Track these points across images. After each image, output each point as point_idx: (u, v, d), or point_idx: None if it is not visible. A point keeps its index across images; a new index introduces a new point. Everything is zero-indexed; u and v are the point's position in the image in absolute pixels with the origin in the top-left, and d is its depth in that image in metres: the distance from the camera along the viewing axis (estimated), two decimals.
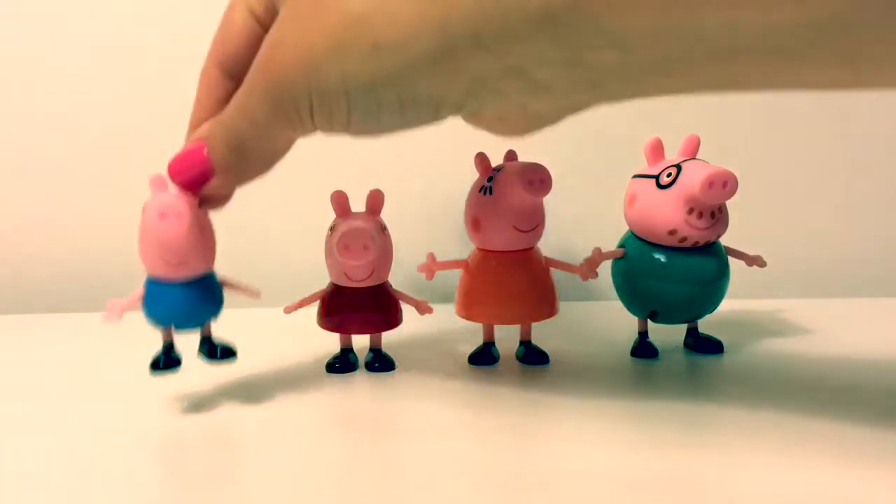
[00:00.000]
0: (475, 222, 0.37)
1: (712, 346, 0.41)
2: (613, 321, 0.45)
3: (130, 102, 0.54)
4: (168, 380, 0.33)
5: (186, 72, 0.54)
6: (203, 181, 0.31)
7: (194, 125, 0.33)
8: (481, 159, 0.38)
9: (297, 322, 0.39)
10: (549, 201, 0.37)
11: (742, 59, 0.24)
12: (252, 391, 0.36)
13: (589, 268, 0.38)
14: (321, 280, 0.39)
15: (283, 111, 0.28)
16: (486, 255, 0.38)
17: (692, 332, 0.41)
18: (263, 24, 0.31)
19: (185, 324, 0.34)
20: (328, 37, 0.26)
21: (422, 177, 0.55)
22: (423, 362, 0.40)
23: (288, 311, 0.39)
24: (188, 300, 0.33)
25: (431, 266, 0.39)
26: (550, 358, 0.40)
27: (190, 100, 0.54)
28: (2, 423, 0.35)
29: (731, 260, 0.39)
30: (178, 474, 0.30)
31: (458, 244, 0.39)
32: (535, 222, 0.37)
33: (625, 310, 0.40)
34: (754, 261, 0.40)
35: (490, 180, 0.37)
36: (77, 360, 0.42)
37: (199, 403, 0.35)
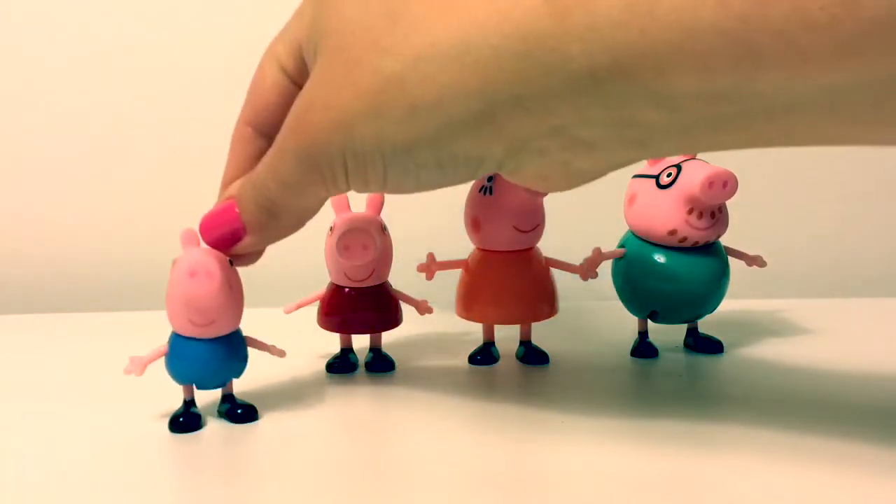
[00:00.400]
0: (475, 222, 0.37)
1: (712, 346, 0.41)
2: (613, 321, 0.44)
3: (131, 102, 0.54)
4: (169, 380, 0.33)
5: (186, 72, 0.54)
6: (234, 240, 0.31)
7: (226, 183, 0.32)
8: None
9: (296, 322, 0.39)
10: (550, 201, 0.37)
11: (799, 116, 0.23)
12: (253, 391, 0.36)
13: (589, 268, 0.38)
14: (321, 279, 0.39)
15: (316, 172, 0.28)
16: (486, 255, 0.38)
17: (692, 332, 0.41)
18: (295, 80, 0.30)
19: (207, 383, 0.34)
20: (362, 98, 0.26)
21: None
22: (423, 362, 0.40)
23: (288, 311, 0.39)
24: (212, 359, 0.32)
25: (431, 266, 0.39)
26: (550, 358, 0.40)
27: (191, 101, 0.54)
28: (2, 423, 0.35)
29: (731, 260, 0.39)
30: (179, 474, 0.30)
31: (458, 244, 0.39)
32: (535, 222, 0.37)
33: (625, 310, 0.40)
34: (754, 261, 0.40)
35: (490, 180, 0.36)
36: (77, 360, 0.42)
37: (199, 404, 0.35)
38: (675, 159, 0.38)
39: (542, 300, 0.38)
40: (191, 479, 0.29)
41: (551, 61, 0.23)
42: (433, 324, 0.42)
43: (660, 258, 0.38)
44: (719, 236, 0.38)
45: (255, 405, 0.34)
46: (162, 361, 0.33)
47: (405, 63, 0.25)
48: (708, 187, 0.35)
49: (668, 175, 0.37)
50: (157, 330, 0.34)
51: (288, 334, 0.34)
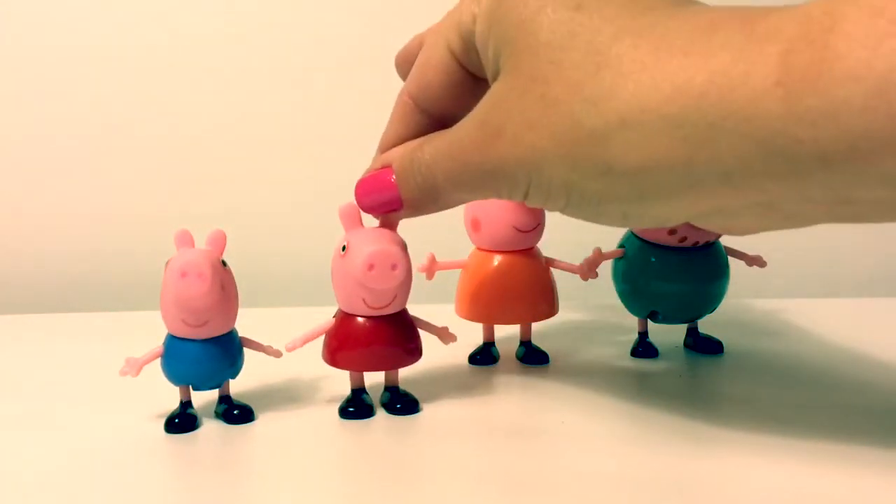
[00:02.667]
0: (475, 222, 0.37)
1: (712, 346, 0.41)
2: (613, 321, 0.44)
3: (130, 103, 0.54)
4: (165, 381, 0.33)
5: (185, 74, 0.54)
6: (388, 209, 0.32)
7: (383, 147, 0.33)
8: None
9: (294, 323, 0.39)
10: None
11: None
12: (249, 392, 0.36)
13: (589, 268, 0.38)
14: (321, 280, 0.39)
15: (493, 188, 0.28)
16: (485, 255, 0.38)
17: (692, 332, 0.41)
18: (461, 63, 0.30)
19: (203, 384, 0.33)
20: (557, 144, 0.25)
21: None
22: (422, 362, 0.39)
23: (291, 348, 0.33)
24: (207, 359, 0.32)
25: (432, 266, 0.38)
26: (551, 358, 0.39)
27: (190, 103, 0.54)
28: (2, 423, 0.35)
29: (731, 260, 0.39)
30: (175, 475, 0.30)
31: (458, 244, 0.39)
32: (535, 222, 0.37)
33: (625, 310, 0.40)
34: (754, 261, 0.40)
35: None
36: (77, 360, 0.42)
37: (196, 405, 0.35)
38: None
39: (541, 300, 0.38)
40: (187, 479, 0.29)
41: (776, 144, 0.22)
42: (447, 350, 0.39)
43: (660, 258, 0.38)
44: (720, 236, 0.38)
45: (252, 406, 0.34)
46: (159, 362, 0.33)
47: (609, 123, 0.24)
48: None
49: None
50: (154, 330, 0.34)
51: (284, 335, 0.34)
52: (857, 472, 0.28)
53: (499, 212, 0.36)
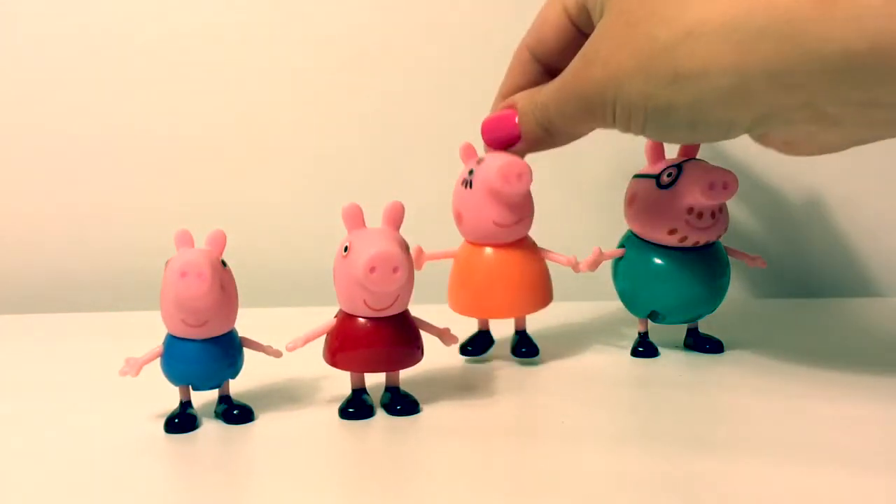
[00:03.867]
0: (458, 215, 0.37)
1: (712, 346, 0.40)
2: (613, 321, 0.44)
3: (131, 102, 0.54)
4: (165, 381, 0.33)
5: (185, 75, 0.54)
6: (509, 144, 0.36)
7: (503, 95, 0.38)
8: (466, 150, 0.38)
9: (293, 324, 0.39)
10: (549, 200, 0.36)
11: None
12: (249, 392, 0.36)
13: (589, 267, 0.38)
14: (322, 281, 0.39)
15: (589, 111, 0.32)
16: (473, 247, 0.38)
17: (692, 333, 0.41)
18: (574, 23, 0.35)
19: (202, 384, 0.34)
20: (636, 61, 0.30)
21: (438, 179, 0.54)
22: (422, 362, 0.39)
23: (291, 348, 0.33)
24: (207, 359, 0.32)
25: (420, 258, 0.38)
26: (550, 358, 0.39)
27: (188, 100, 0.54)
28: (2, 423, 0.35)
29: (731, 260, 0.39)
30: (175, 475, 0.30)
31: (451, 235, 0.39)
32: (516, 217, 0.36)
33: (625, 310, 0.40)
34: (754, 261, 0.40)
35: (471, 173, 0.36)
36: (77, 360, 0.42)
37: (196, 405, 0.35)
38: (676, 159, 0.38)
39: (532, 291, 0.38)
40: (187, 479, 0.29)
41: (810, 43, 0.26)
42: (447, 352, 0.38)
43: (660, 258, 0.38)
44: (720, 236, 0.38)
45: (252, 406, 0.34)
46: (158, 362, 0.33)
47: (676, 35, 0.28)
48: (709, 188, 0.35)
49: (669, 175, 0.37)
50: (154, 330, 0.34)
51: (284, 335, 0.34)
52: (857, 472, 0.28)
53: (478, 206, 0.36)
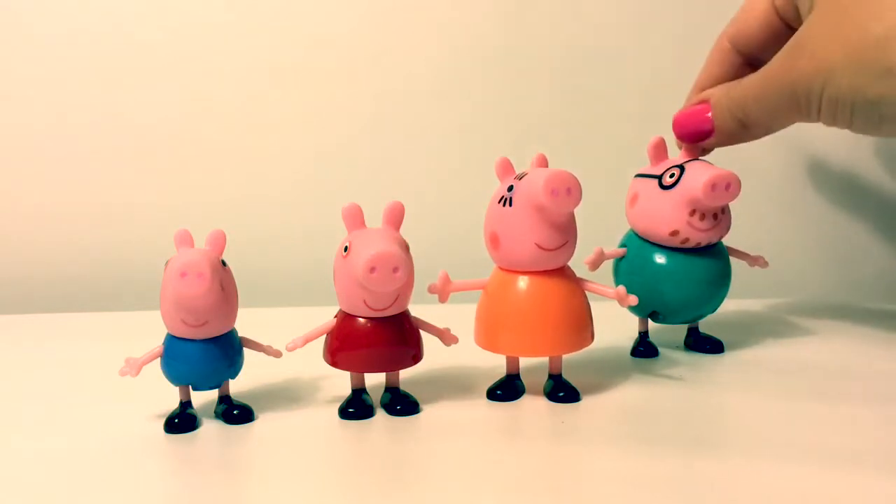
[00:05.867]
0: (493, 238, 0.33)
1: (713, 346, 0.40)
2: (613, 321, 0.44)
3: (131, 102, 0.54)
4: (165, 381, 0.33)
5: (185, 75, 0.54)
6: (701, 137, 0.37)
7: (699, 87, 0.39)
8: (503, 164, 0.34)
9: (292, 323, 0.39)
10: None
11: None
12: (249, 392, 0.36)
13: (590, 267, 0.38)
14: (321, 282, 0.39)
15: (794, 104, 0.32)
16: (508, 275, 0.34)
17: (693, 332, 0.41)
18: (781, 15, 0.35)
19: (202, 384, 0.33)
20: (847, 53, 0.30)
21: (437, 179, 0.54)
22: (423, 362, 0.39)
23: (291, 348, 0.33)
24: (207, 360, 0.32)
25: (445, 287, 0.34)
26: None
27: (190, 104, 0.54)
28: (2, 423, 0.35)
29: (733, 260, 0.39)
30: (174, 475, 0.30)
31: (477, 261, 0.37)
32: (561, 240, 0.32)
33: (624, 309, 0.40)
34: (756, 261, 0.40)
35: (510, 189, 0.33)
36: (77, 360, 0.42)
37: (195, 405, 0.35)
38: (678, 160, 0.38)
39: (572, 328, 0.34)
40: (187, 479, 0.29)
41: None
42: (447, 352, 0.37)
43: (661, 258, 0.38)
44: (721, 238, 0.38)
45: (252, 406, 0.34)
46: (158, 362, 0.33)
47: (890, 28, 0.29)
48: (711, 189, 0.35)
49: (671, 176, 0.37)
50: (154, 330, 0.34)
51: (284, 335, 0.34)
52: (857, 471, 0.28)
53: (519, 226, 0.32)
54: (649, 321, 0.40)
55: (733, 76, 0.37)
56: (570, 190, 0.31)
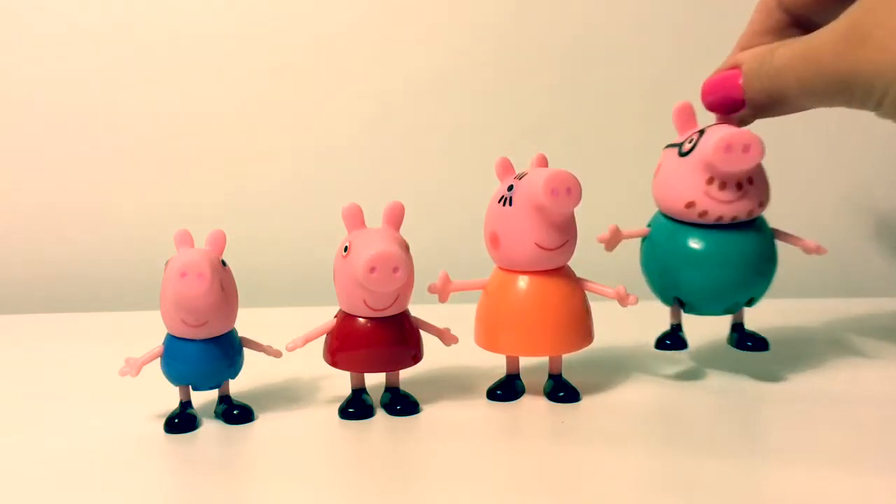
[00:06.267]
0: (493, 238, 0.33)
1: (754, 343, 0.35)
2: (614, 321, 0.44)
3: (131, 102, 0.54)
4: (166, 381, 0.33)
5: (185, 75, 0.54)
6: (731, 109, 0.33)
7: (741, 44, 0.35)
8: (502, 164, 0.34)
9: (293, 323, 0.39)
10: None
11: None
12: (249, 392, 0.36)
13: (606, 246, 0.34)
14: (322, 282, 0.39)
15: (847, 93, 0.29)
16: (508, 275, 0.34)
17: (737, 328, 0.36)
18: None
19: (202, 384, 0.33)
20: None
21: (437, 179, 0.54)
22: (423, 362, 0.39)
23: (291, 348, 0.33)
24: (207, 360, 0.32)
25: (445, 287, 0.34)
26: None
27: (188, 100, 0.54)
28: (1, 423, 0.35)
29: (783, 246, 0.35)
30: (174, 475, 0.30)
31: (477, 261, 0.36)
32: (561, 239, 0.32)
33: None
34: (812, 248, 0.34)
35: (510, 189, 0.33)
36: (77, 360, 0.42)
37: (195, 405, 0.35)
38: (702, 124, 0.34)
39: (572, 328, 0.34)
40: (186, 479, 0.29)
41: None
42: (447, 352, 0.37)
43: (682, 236, 0.33)
44: (751, 213, 0.33)
45: (252, 406, 0.34)
46: (158, 362, 0.33)
47: None
48: (724, 151, 0.30)
49: (690, 141, 0.32)
50: (154, 330, 0.34)
51: (284, 335, 0.34)
52: (857, 471, 0.28)
53: (519, 226, 0.32)
54: (682, 312, 0.35)
55: (778, 37, 0.33)
56: (570, 190, 0.31)
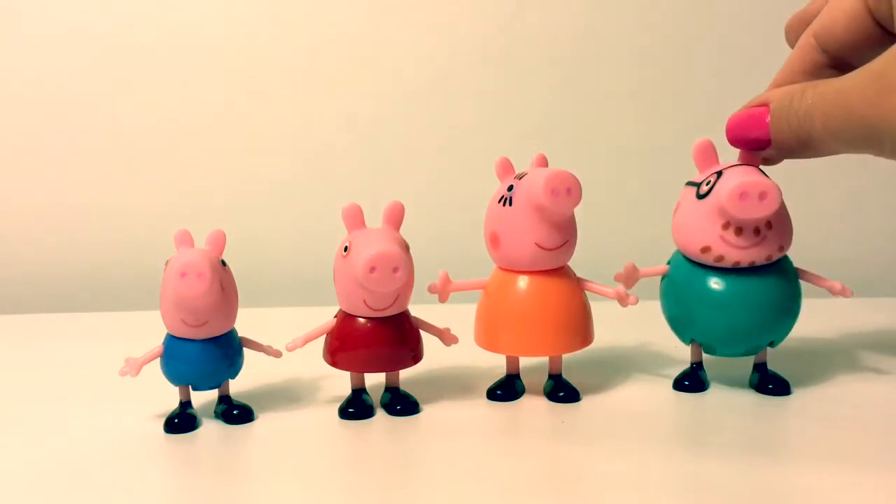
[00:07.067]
0: (493, 238, 0.33)
1: (776, 387, 0.35)
2: (613, 321, 0.44)
3: (131, 102, 0.54)
4: (165, 381, 0.33)
5: (185, 75, 0.54)
6: (755, 146, 0.32)
7: (777, 82, 0.34)
8: (502, 164, 0.34)
9: (293, 324, 0.39)
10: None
11: None
12: (249, 392, 0.36)
13: (623, 283, 0.34)
14: (321, 282, 0.39)
15: (875, 145, 0.28)
16: (507, 275, 0.34)
17: (758, 368, 0.35)
18: (874, 14, 0.30)
19: (202, 384, 0.33)
20: None
21: (437, 179, 0.54)
22: (423, 362, 0.39)
23: (291, 348, 0.33)
24: (207, 360, 0.32)
25: (445, 286, 0.34)
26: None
27: (187, 101, 0.54)
28: (1, 423, 0.35)
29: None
30: (174, 475, 0.30)
31: (477, 261, 0.36)
32: (561, 239, 0.32)
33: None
34: (838, 290, 0.33)
35: (511, 189, 0.33)
36: (77, 360, 0.42)
37: (195, 405, 0.35)
38: (722, 164, 0.33)
39: (572, 328, 0.34)
40: (186, 479, 0.29)
41: None
42: (447, 352, 0.37)
43: (699, 278, 0.33)
44: (770, 258, 0.32)
45: (252, 406, 0.34)
46: (158, 362, 0.33)
47: None
48: (739, 199, 0.30)
49: (707, 183, 0.32)
50: (154, 330, 0.34)
51: (284, 335, 0.34)
52: (857, 471, 0.28)
53: (519, 226, 0.32)
54: (702, 350, 0.35)
55: (816, 76, 0.32)
56: (570, 190, 0.31)
